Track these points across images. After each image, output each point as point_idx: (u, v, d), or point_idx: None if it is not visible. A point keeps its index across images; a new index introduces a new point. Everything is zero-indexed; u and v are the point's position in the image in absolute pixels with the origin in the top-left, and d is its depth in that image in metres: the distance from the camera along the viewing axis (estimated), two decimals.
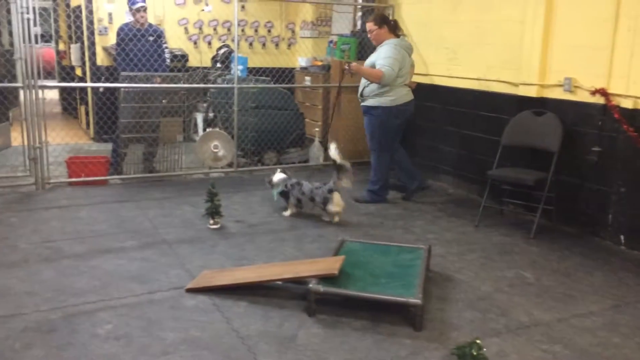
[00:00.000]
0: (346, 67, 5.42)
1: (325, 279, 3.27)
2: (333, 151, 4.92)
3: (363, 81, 5.38)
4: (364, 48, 7.12)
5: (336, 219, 4.93)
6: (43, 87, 5.63)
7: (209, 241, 4.39)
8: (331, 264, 3.38)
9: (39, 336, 2.92)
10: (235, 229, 4.71)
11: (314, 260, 3.65)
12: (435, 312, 3.32)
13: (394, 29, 5.42)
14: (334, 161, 4.92)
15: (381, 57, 5.19)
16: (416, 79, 6.58)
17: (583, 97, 4.71)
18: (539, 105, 5.04)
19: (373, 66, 5.24)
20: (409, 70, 5.47)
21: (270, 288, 3.50)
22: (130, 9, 6.01)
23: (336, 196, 4.87)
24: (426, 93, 6.51)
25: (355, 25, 7.65)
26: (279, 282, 3.49)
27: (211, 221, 4.70)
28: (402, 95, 5.34)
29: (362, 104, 5.44)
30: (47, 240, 4.29)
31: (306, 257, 4.10)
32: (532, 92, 5.09)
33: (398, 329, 3.11)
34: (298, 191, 5.01)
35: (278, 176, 5.12)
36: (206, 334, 3.01)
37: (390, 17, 6.91)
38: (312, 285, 3.20)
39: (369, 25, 5.38)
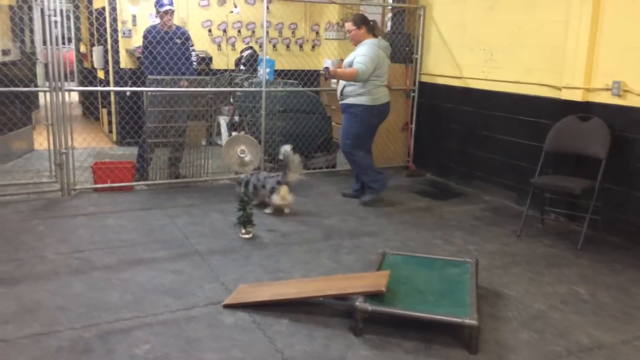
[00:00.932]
0: (322, 71, 5.44)
1: (371, 296, 3.10)
2: (285, 147, 5.18)
3: (342, 83, 5.42)
4: (394, 49, 6.93)
5: (287, 210, 5.15)
6: (70, 91, 5.52)
7: (242, 252, 4.23)
8: (377, 280, 3.20)
9: (74, 357, 2.78)
10: (268, 238, 4.54)
11: (358, 275, 3.47)
12: (489, 333, 3.13)
13: (372, 29, 5.47)
14: (284, 156, 5.12)
15: (359, 56, 5.27)
16: (448, 81, 6.41)
17: (633, 101, 4.48)
18: (584, 109, 4.82)
19: (350, 65, 5.31)
20: (387, 71, 5.52)
21: (313, 304, 3.33)
22: (158, 12, 5.88)
23: (283, 189, 5.07)
24: (459, 96, 6.32)
25: (384, 26, 7.46)
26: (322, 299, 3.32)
27: (243, 230, 4.55)
28: (382, 95, 5.43)
29: (342, 102, 5.45)
30: (76, 250, 4.16)
31: (344, 270, 3.94)
32: (576, 96, 4.87)
33: (452, 351, 2.92)
34: (255, 178, 5.27)
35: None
36: (249, 355, 2.85)
37: (421, 19, 6.73)
38: (359, 303, 3.02)
39: (348, 25, 5.44)
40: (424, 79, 6.89)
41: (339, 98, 5.54)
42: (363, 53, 5.27)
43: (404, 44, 6.89)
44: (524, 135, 5.46)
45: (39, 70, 8.66)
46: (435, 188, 6.30)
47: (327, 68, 5.38)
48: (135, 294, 3.49)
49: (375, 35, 5.47)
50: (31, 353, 2.79)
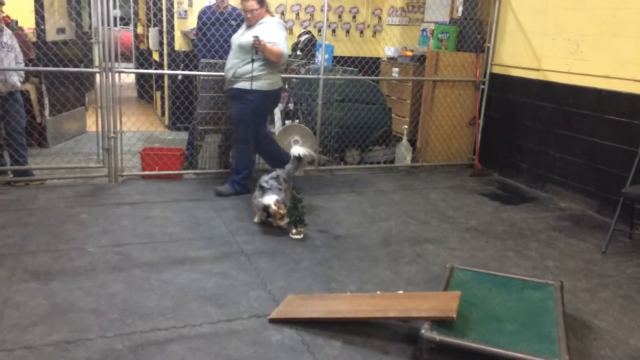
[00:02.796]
0: (254, 40, 4.62)
1: (439, 321, 2.66)
2: (297, 147, 4.76)
3: (235, 61, 4.81)
4: (464, 37, 6.37)
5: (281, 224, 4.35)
6: (120, 72, 5.28)
7: (292, 255, 3.87)
8: (447, 303, 2.76)
9: None
10: (320, 240, 4.16)
11: (423, 294, 3.04)
12: None
13: (268, 9, 4.99)
14: (297, 155, 4.65)
15: (271, 35, 4.71)
16: (524, 73, 5.83)
17: None
18: None
19: (249, 49, 4.70)
20: None
21: (369, 324, 2.93)
22: None
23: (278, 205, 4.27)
24: (536, 90, 5.72)
25: (455, 11, 6.88)
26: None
27: (294, 230, 4.18)
28: (278, 80, 5.01)
29: (235, 86, 4.83)
30: (116, 243, 3.90)
31: (404, 282, 3.51)
32: None
33: None
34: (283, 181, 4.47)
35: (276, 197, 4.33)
36: None
37: (497, 3, 6.14)
38: (425, 331, 2.59)
39: (251, 4, 4.79)
40: (496, 70, 6.30)
41: (228, 81, 4.88)
42: (276, 33, 4.78)
43: (475, 31, 6.31)
44: (613, 137, 4.83)
45: (96, 51, 8.55)
46: (503, 190, 5.74)
47: (257, 37, 4.62)
48: (174, 298, 3.18)
49: (271, 14, 5.00)
50: None
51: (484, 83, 6.36)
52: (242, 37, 4.80)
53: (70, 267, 3.50)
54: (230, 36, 5.58)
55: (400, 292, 3.19)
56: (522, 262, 3.92)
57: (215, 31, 5.53)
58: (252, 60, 4.72)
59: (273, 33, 4.75)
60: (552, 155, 5.54)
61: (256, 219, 4.42)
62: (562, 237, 4.47)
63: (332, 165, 6.29)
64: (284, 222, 4.22)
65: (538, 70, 5.69)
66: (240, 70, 4.77)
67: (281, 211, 4.15)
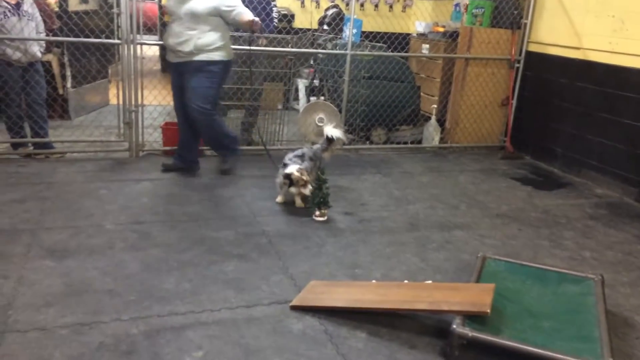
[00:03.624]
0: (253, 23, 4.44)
1: (471, 316, 2.49)
2: (332, 129, 4.55)
3: (191, 32, 4.36)
4: (500, 13, 6.06)
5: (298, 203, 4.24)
6: (142, 44, 5.13)
7: (315, 238, 3.72)
8: (480, 297, 2.58)
9: (114, 359, 2.38)
10: (345, 223, 4.00)
11: (454, 285, 2.86)
12: None
13: None
14: (329, 136, 4.51)
15: (228, 4, 4.39)
16: (563, 52, 5.53)
17: None
18: None
19: (211, 13, 4.36)
20: None
21: (396, 315, 2.77)
22: None
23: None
24: (576, 70, 5.42)
25: None
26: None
27: (317, 212, 4.03)
28: (231, 48, 4.70)
29: (196, 58, 4.41)
30: (135, 221, 3.80)
31: (432, 270, 3.34)
32: None
33: None
34: (308, 160, 4.29)
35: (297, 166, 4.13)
36: None
37: None
38: (457, 326, 2.43)
39: None
40: (533, 47, 5.99)
41: (185, 52, 4.40)
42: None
43: (511, 6, 6.00)
44: None
45: (119, 22, 8.42)
46: (536, 175, 5.49)
47: (254, 21, 4.42)
48: (193, 281, 3.06)
49: None
50: (68, 348, 2.42)
51: (519, 62, 6.07)
52: (194, 3, 4.32)
53: (87, 244, 3.41)
54: (255, 8, 5.39)
55: (429, 282, 3.02)
56: (558, 252, 3.71)
57: (248, 3, 5.31)
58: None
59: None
60: (590, 140, 5.26)
61: (279, 199, 4.28)
62: (599, 226, 4.23)
63: (357, 144, 6.10)
64: (307, 191, 4.01)
65: (578, 49, 5.38)
66: (201, 41, 4.38)
67: (304, 177, 4.00)
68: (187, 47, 4.38)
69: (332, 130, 4.51)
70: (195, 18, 4.33)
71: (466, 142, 6.25)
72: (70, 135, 5.53)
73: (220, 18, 4.42)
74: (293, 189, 4.07)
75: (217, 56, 4.45)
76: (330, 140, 4.51)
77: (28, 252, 3.24)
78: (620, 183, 4.94)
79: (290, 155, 4.27)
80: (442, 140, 6.25)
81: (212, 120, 4.62)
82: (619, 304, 3.08)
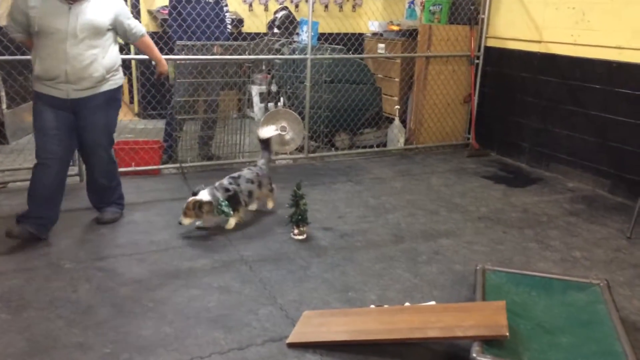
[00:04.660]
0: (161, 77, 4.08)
1: (489, 341, 2.32)
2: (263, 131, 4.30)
3: (94, 52, 3.41)
4: (458, 9, 5.98)
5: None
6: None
7: (298, 260, 3.47)
8: (493, 318, 2.41)
9: None
10: (326, 240, 3.77)
11: (462, 306, 2.68)
12: None
13: None
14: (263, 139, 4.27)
15: (128, 15, 3.64)
16: (523, 46, 5.50)
17: None
18: None
19: (106, 31, 3.46)
20: None
21: (402, 344, 2.56)
22: None
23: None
24: (537, 64, 5.40)
25: None
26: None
27: (295, 231, 3.78)
28: None
29: (103, 89, 3.52)
30: (97, 257, 3.43)
31: (428, 286, 3.16)
32: None
33: None
34: (244, 182, 3.93)
35: (206, 192, 3.75)
36: None
37: None
38: (477, 354, 2.24)
39: None
40: (491, 43, 5.95)
41: (92, 81, 3.45)
42: (123, 5, 3.63)
43: (468, 2, 5.93)
44: (627, 113, 4.55)
45: None
46: (506, 172, 5.44)
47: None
48: (173, 323, 2.75)
49: None
50: None
51: (478, 57, 6.01)
52: (89, 14, 3.36)
53: (46, 289, 3.02)
54: (207, 15, 5.08)
55: (433, 302, 2.84)
56: (548, 255, 3.62)
57: (191, 10, 4.99)
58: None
59: (128, 13, 3.65)
60: (557, 133, 5.25)
61: (197, 222, 3.82)
62: (580, 222, 4.18)
63: (322, 151, 5.88)
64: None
65: (539, 42, 5.36)
66: (106, 60, 3.48)
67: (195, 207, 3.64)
68: (95, 73, 3.42)
69: (264, 131, 4.26)
70: (96, 32, 3.40)
71: (431, 142, 6.15)
72: (12, 162, 5.03)
73: (113, 31, 3.56)
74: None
75: (120, 79, 3.67)
76: (266, 143, 4.24)
77: None
78: (591, 175, 4.94)
79: (225, 178, 3.92)
80: (407, 141, 6.12)
81: (113, 158, 3.87)
82: (622, 307, 2.98)
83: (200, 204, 3.67)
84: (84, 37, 3.35)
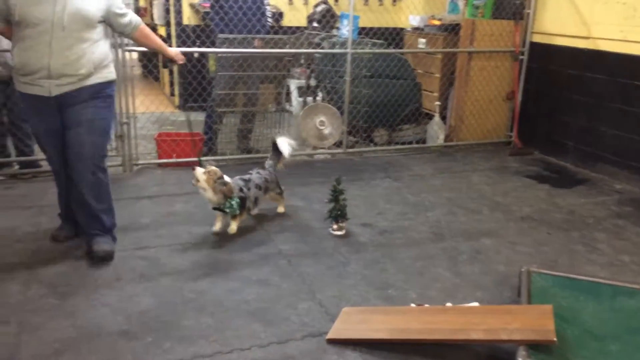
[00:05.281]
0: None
1: (535, 346, 2.26)
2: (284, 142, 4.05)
3: (83, 45, 3.01)
4: (502, 3, 5.84)
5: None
6: (131, 51, 4.79)
7: (337, 255, 3.45)
8: (539, 322, 2.35)
9: None
10: (365, 236, 3.74)
11: (507, 308, 2.63)
12: None
13: None
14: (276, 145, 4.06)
15: (120, 5, 3.21)
16: (571, 42, 5.35)
17: None
18: None
19: (102, 17, 3.09)
20: None
21: (444, 345, 2.52)
22: None
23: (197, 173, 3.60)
24: (585, 61, 5.23)
25: None
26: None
27: (335, 226, 3.76)
28: None
29: (90, 82, 3.07)
30: (140, 246, 3.49)
31: (471, 287, 3.10)
32: None
33: None
34: (253, 188, 3.77)
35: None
36: None
37: None
38: (523, 359, 2.18)
39: None
40: (537, 38, 5.79)
41: (78, 76, 3.02)
42: None
43: None
44: None
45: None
46: (550, 171, 5.30)
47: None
48: (214, 315, 2.77)
49: None
50: None
51: (523, 53, 5.86)
52: (78, 2, 2.98)
53: (91, 276, 3.09)
54: (249, 8, 5.09)
55: (476, 304, 2.78)
56: (595, 258, 3.51)
57: (233, 3, 5.00)
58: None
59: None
60: (604, 132, 5.09)
61: (215, 227, 3.69)
62: (629, 225, 4.04)
63: (361, 147, 5.84)
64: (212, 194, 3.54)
65: (587, 38, 5.19)
66: (96, 56, 3.07)
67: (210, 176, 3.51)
68: (82, 69, 3.02)
69: (284, 144, 4.01)
70: (86, 24, 3.01)
71: (472, 139, 6.03)
72: None
73: (104, 24, 3.17)
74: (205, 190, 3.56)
75: (112, 74, 3.23)
76: (278, 152, 4.03)
77: (27, 290, 2.92)
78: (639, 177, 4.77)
79: (236, 177, 3.80)
80: (447, 138, 6.02)
81: (104, 172, 3.28)
82: None
83: (223, 181, 3.56)
84: (72, 29, 2.95)
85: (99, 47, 3.10)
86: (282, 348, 2.53)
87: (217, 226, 3.69)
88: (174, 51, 3.63)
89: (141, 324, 2.67)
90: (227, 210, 3.59)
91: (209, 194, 3.56)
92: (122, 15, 3.18)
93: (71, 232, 3.49)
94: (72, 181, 3.21)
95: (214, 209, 3.63)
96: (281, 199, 4.08)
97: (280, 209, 4.07)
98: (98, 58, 3.09)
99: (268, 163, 4.05)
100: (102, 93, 3.16)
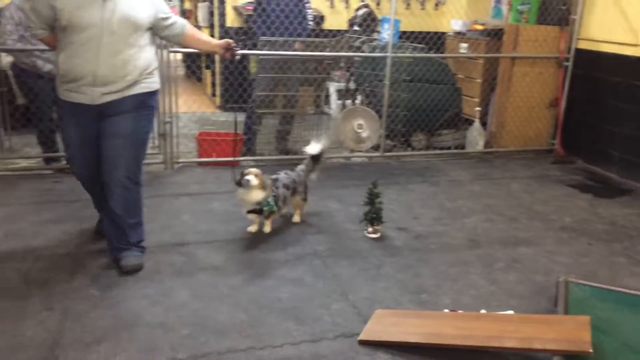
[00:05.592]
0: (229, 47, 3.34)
1: (570, 356, 2.22)
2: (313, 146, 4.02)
3: (131, 51, 2.93)
4: (547, 9, 5.75)
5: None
6: (175, 52, 4.93)
7: (371, 258, 3.46)
8: (576, 333, 2.31)
9: None
10: (400, 240, 3.74)
11: (543, 318, 2.59)
12: None
13: None
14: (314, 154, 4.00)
15: (167, 10, 3.14)
16: (618, 49, 5.21)
17: None
18: None
19: (144, 28, 2.99)
20: None
21: (477, 352, 2.50)
22: None
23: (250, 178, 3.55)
24: (635, 68, 5.09)
25: None
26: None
27: (370, 229, 3.78)
28: None
29: (134, 92, 2.99)
30: (179, 242, 3.58)
31: (506, 295, 3.07)
32: None
33: None
34: (281, 187, 3.74)
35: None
36: None
37: None
38: None
39: None
40: (583, 45, 5.66)
41: (125, 83, 2.95)
42: (163, 3, 3.15)
43: (559, 2, 5.68)
44: None
45: None
46: (594, 181, 5.17)
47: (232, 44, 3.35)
48: (248, 311, 2.83)
49: None
50: None
51: (568, 60, 5.74)
52: (126, 7, 2.89)
53: None
54: (291, 11, 5.16)
55: (511, 312, 2.75)
56: (638, 271, 3.41)
57: (275, 6, 5.08)
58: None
59: (161, 1, 3.12)
60: None
61: (251, 228, 3.75)
62: None
63: (398, 151, 5.83)
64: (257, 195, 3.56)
65: (636, 45, 5.05)
66: (141, 62, 2.99)
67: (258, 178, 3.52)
68: (128, 76, 2.94)
69: (314, 147, 3.97)
70: (135, 29, 2.94)
71: (513, 146, 5.94)
72: None
73: (151, 30, 3.08)
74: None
75: (156, 84, 3.14)
76: (315, 159, 3.99)
77: (72, 280, 3.04)
78: None
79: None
80: (486, 144, 5.95)
81: (138, 187, 3.21)
82: None
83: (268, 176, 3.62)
84: (121, 34, 2.87)
85: (145, 53, 3.02)
86: (314, 347, 2.56)
87: (254, 227, 3.75)
88: (220, 42, 3.35)
89: (178, 317, 2.74)
90: (266, 208, 3.62)
91: (255, 194, 3.55)
92: (168, 19, 3.11)
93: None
94: (104, 189, 3.13)
95: (249, 212, 3.67)
96: (303, 205, 3.98)
97: (297, 218, 3.96)
98: (144, 64, 3.00)
99: (300, 167, 3.99)
100: (145, 104, 3.08)
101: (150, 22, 3.02)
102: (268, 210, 3.64)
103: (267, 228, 3.73)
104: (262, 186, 3.57)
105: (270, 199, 3.63)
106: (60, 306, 2.79)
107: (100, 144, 3.04)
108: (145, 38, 3.03)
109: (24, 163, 4.96)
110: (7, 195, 4.24)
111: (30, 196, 4.26)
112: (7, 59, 4.94)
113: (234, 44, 3.32)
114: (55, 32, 2.96)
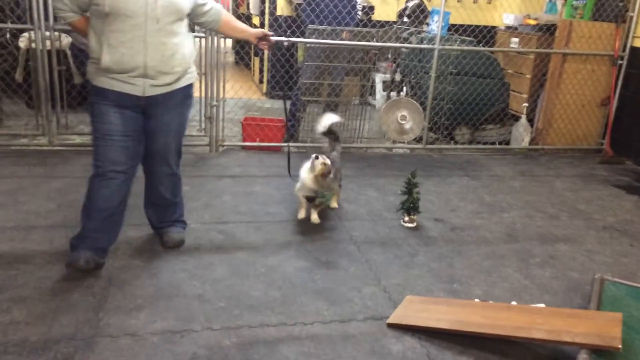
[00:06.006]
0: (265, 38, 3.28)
1: (598, 350, 2.21)
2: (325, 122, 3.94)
3: (175, 41, 2.83)
4: (604, 5, 5.58)
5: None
6: (225, 37, 5.05)
7: (406, 246, 3.50)
8: (606, 328, 2.29)
9: None
10: (436, 231, 3.76)
11: (573, 312, 2.57)
12: None
13: None
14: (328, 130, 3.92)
15: None
16: None
17: None
18: None
19: (185, 16, 2.89)
20: None
21: (504, 341, 2.52)
22: None
23: (317, 162, 3.58)
24: None
25: None
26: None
27: (406, 218, 3.80)
28: None
29: (178, 85, 2.94)
30: (219, 220, 3.71)
31: (539, 290, 3.05)
32: None
33: None
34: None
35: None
36: None
37: None
38: None
39: None
40: (639, 43, 5.48)
41: (173, 76, 2.88)
42: None
43: None
44: None
45: None
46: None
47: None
48: (282, 289, 2.92)
49: None
50: (161, 359, 2.32)
51: (622, 58, 5.57)
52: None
53: None
54: (340, 1, 5.20)
55: (542, 305, 2.74)
56: None
57: None
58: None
59: None
60: None
61: (300, 214, 3.80)
62: None
63: (441, 143, 5.81)
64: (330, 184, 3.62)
65: None
66: (187, 50, 2.93)
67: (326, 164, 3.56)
68: (178, 67, 2.89)
69: (326, 120, 3.89)
70: (178, 16, 2.83)
71: (560, 144, 5.83)
72: None
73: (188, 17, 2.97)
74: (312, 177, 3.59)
75: (195, 75, 3.10)
76: (333, 135, 3.91)
77: (117, 251, 3.20)
78: None
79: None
80: (532, 141, 5.85)
81: (178, 168, 3.25)
82: None
83: (329, 169, 3.62)
84: (165, 22, 2.75)
85: (188, 41, 2.95)
86: (343, 327, 2.63)
87: (302, 213, 3.81)
88: (256, 30, 3.28)
89: (215, 290, 2.86)
90: (321, 198, 3.69)
91: (317, 181, 3.60)
92: (205, 4, 3.00)
93: (91, 262, 2.96)
94: (149, 177, 3.19)
95: (306, 197, 3.73)
96: (339, 191, 4.01)
97: (334, 204, 3.98)
98: (189, 53, 2.94)
99: (333, 154, 3.89)
100: (188, 95, 3.06)
101: (190, 8, 2.91)
102: (322, 202, 3.71)
103: (315, 217, 3.75)
104: (325, 176, 3.61)
105: (328, 194, 3.70)
106: (106, 274, 2.95)
107: (147, 138, 3.00)
108: (185, 26, 2.94)
109: (78, 139, 5.20)
110: (61, 170, 4.48)
111: (83, 170, 4.47)
112: (67, 40, 5.18)
113: (269, 34, 3.29)
114: (87, 16, 2.83)
